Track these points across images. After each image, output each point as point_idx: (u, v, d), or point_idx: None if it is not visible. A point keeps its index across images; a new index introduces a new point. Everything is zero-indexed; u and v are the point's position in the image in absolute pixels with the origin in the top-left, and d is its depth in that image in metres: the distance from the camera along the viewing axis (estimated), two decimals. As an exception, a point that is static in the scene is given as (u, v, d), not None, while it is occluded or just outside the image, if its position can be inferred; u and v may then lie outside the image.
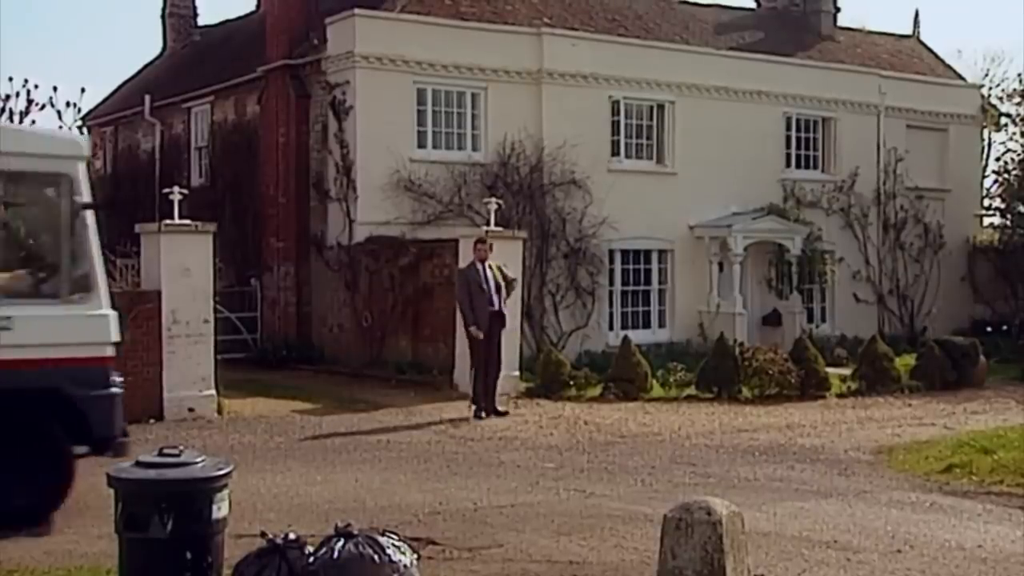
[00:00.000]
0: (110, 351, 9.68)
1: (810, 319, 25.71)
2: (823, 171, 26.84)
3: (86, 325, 9.47)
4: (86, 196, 9.49)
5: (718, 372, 18.09)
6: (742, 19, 29.68)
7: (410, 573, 6.24)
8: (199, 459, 6.21)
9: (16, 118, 19.15)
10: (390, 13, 22.40)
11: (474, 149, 22.52)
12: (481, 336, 15.58)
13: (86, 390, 9.37)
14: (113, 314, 9.62)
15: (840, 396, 18.39)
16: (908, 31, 32.48)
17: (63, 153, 9.68)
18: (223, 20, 32.24)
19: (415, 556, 6.36)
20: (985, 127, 30.67)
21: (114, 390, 9.63)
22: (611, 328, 23.41)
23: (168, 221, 15.72)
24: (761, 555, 8.10)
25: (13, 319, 9.16)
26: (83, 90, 26.34)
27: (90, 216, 9.54)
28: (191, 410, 15.12)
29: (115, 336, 9.65)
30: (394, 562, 6.17)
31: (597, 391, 17.89)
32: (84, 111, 23.88)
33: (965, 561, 8.46)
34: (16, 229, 10.24)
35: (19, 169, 9.60)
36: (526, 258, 19.74)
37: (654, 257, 24.39)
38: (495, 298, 15.79)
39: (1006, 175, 29.16)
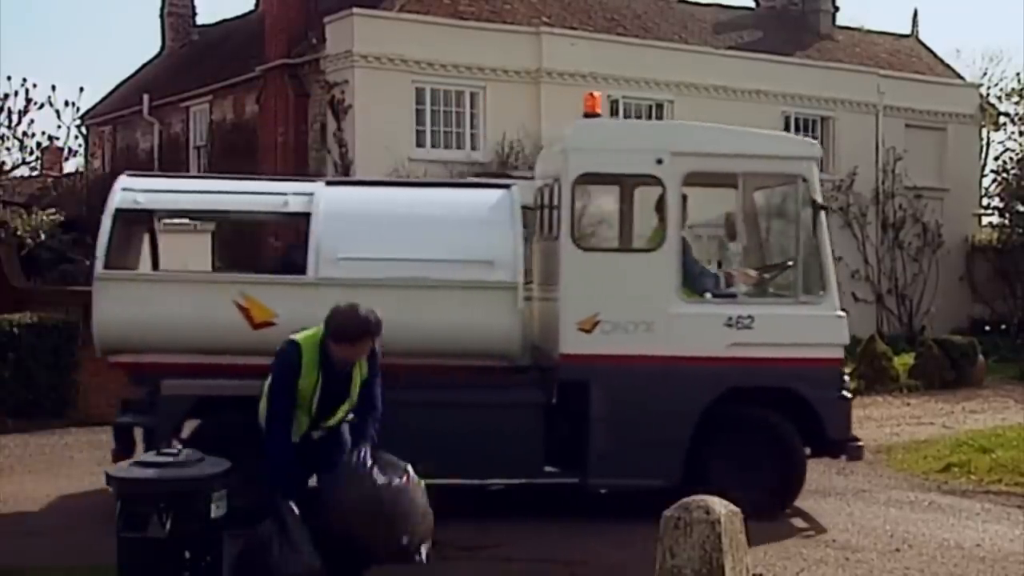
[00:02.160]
0: (842, 353, 9.75)
1: (809, 318, 25.65)
2: (821, 170, 26.71)
3: (820, 325, 9.52)
4: (819, 197, 9.63)
5: (717, 371, 18.04)
6: (741, 18, 29.70)
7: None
8: (198, 458, 6.21)
9: (14, 117, 19.11)
10: (389, 12, 22.41)
11: (473, 148, 22.52)
12: None
13: (820, 391, 9.45)
14: (844, 315, 9.66)
15: (839, 395, 18.36)
16: (907, 30, 32.51)
17: (798, 154, 9.92)
18: (222, 19, 32.28)
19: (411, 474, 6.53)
20: (984, 126, 30.68)
21: (846, 393, 9.70)
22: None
23: (167, 220, 15.68)
24: (760, 554, 8.10)
25: (754, 318, 9.39)
26: (82, 89, 26.11)
27: (823, 217, 9.67)
28: (190, 409, 15.08)
29: (846, 338, 9.74)
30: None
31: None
32: (83, 110, 23.81)
33: (964, 560, 8.47)
34: (757, 230, 10.50)
35: (759, 171, 9.88)
36: (525, 257, 19.71)
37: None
38: None
39: (1005, 174, 29.16)
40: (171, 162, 27.33)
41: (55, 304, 16.25)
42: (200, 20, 32.84)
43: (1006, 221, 28.74)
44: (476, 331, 9.24)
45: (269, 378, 6.60)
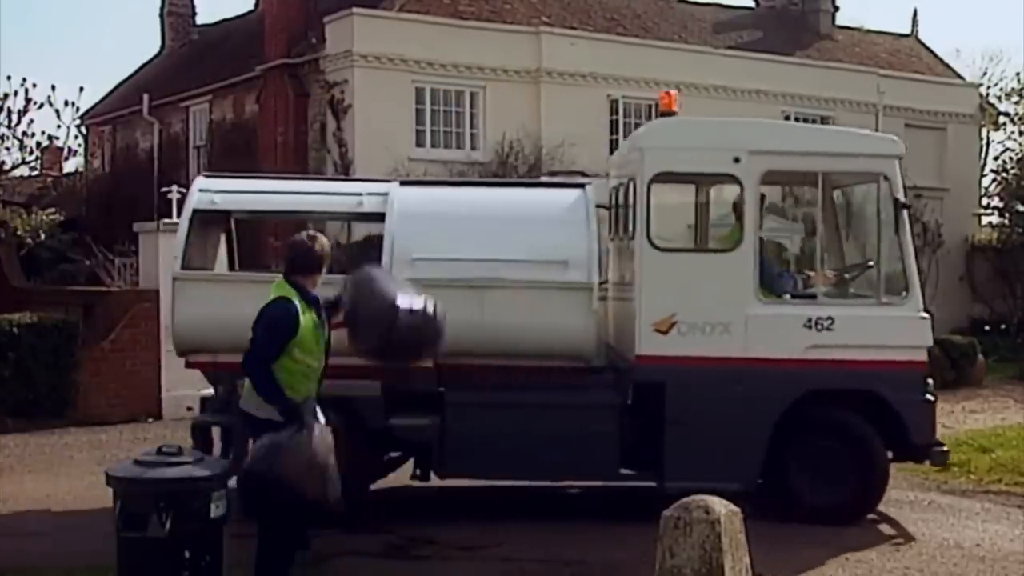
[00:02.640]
0: (925, 355, 9.53)
1: (809, 318, 25.61)
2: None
3: (903, 327, 9.33)
4: (902, 195, 9.41)
5: (717, 371, 18.03)
6: (740, 18, 29.70)
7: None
8: (197, 458, 6.21)
9: (14, 117, 19.11)
10: (388, 12, 22.41)
11: (473, 148, 22.52)
12: None
13: (903, 394, 9.25)
14: (928, 317, 9.45)
15: (839, 395, 18.34)
16: (907, 30, 32.50)
17: (880, 152, 9.64)
18: (221, 19, 32.28)
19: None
20: (983, 126, 30.65)
21: (930, 397, 9.49)
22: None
23: (166, 220, 15.73)
24: (760, 554, 8.10)
25: (835, 319, 9.20)
26: (81, 89, 26.20)
27: (905, 216, 9.46)
28: (190, 409, 15.06)
29: (930, 340, 9.52)
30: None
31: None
32: (82, 110, 23.81)
33: (963, 560, 8.47)
34: (836, 229, 10.33)
35: (839, 169, 9.69)
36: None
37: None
38: None
39: (1004, 174, 29.15)
40: (171, 162, 27.33)
41: (55, 304, 16.26)
42: (200, 20, 32.85)
43: (1006, 221, 28.72)
44: (551, 332, 9.21)
45: (258, 341, 6.58)
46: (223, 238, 10.53)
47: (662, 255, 9.37)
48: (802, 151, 9.53)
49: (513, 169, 22.21)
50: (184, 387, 15.14)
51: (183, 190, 16.27)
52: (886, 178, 9.39)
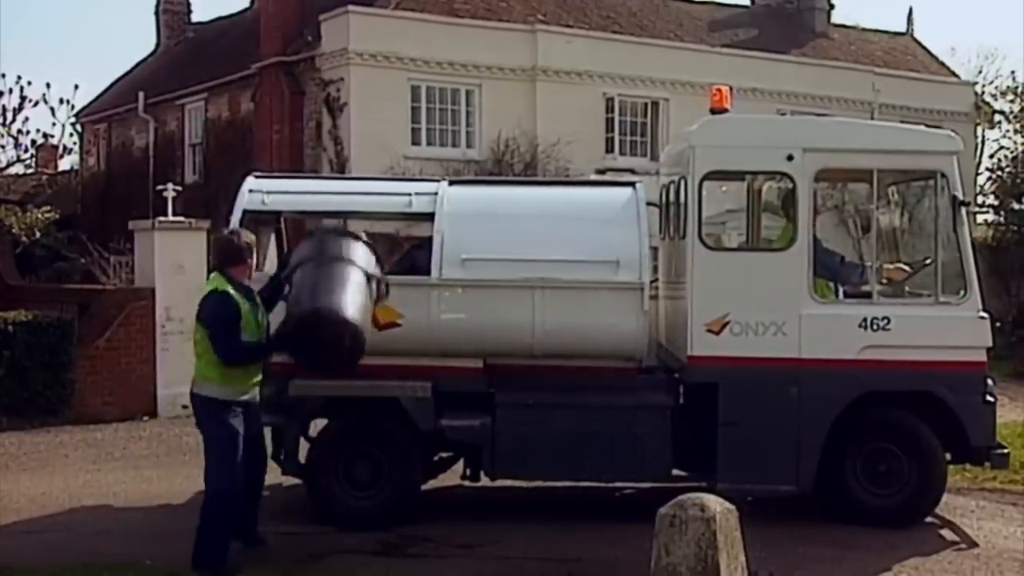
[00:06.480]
0: (985, 356, 9.35)
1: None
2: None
3: (962, 327, 9.19)
4: (960, 193, 9.18)
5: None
6: (736, 16, 29.72)
7: None
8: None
9: (9, 115, 19.10)
10: (384, 10, 22.42)
11: (468, 146, 22.52)
12: None
13: (962, 396, 9.10)
14: (987, 317, 9.28)
15: (834, 393, 18.32)
16: (902, 28, 32.57)
17: (937, 149, 9.39)
18: (217, 17, 32.27)
19: None
20: (979, 124, 30.70)
21: (990, 398, 9.31)
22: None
23: (162, 218, 15.71)
24: (756, 552, 8.11)
25: (891, 319, 9.07)
26: (76, 87, 26.31)
27: (964, 213, 9.25)
28: (185, 407, 15.03)
29: (989, 340, 9.38)
30: None
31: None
32: (77, 108, 23.82)
33: (959, 557, 8.48)
34: (892, 227, 10.19)
35: (895, 167, 9.54)
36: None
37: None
38: None
39: (1000, 172, 29.15)
40: (166, 160, 27.29)
41: (50, 302, 16.23)
42: (195, 17, 32.85)
43: (1001, 219, 28.72)
44: (601, 332, 9.12)
45: (220, 336, 7.46)
46: (273, 238, 10.44)
47: (714, 254, 9.29)
48: (857, 148, 9.33)
49: (509, 167, 22.23)
50: (179, 385, 15.15)
51: (178, 188, 16.29)
52: (943, 175, 9.17)
